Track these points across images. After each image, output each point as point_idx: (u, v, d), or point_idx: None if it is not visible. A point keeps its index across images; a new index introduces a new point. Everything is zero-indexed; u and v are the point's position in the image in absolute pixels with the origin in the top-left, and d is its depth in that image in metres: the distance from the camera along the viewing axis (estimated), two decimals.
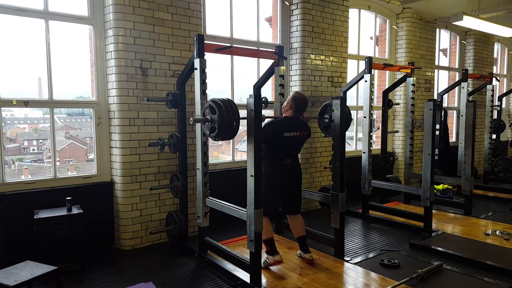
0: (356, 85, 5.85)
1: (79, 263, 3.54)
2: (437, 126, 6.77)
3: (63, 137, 6.50)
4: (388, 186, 5.45)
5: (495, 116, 7.71)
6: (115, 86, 3.99)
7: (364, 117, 5.23)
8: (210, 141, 4.02)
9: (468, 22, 5.63)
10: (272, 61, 4.29)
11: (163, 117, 4.25)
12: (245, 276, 3.22)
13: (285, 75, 5.47)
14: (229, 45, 3.92)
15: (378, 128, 6.07)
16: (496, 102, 8.04)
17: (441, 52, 8.05)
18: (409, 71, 5.73)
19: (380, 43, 6.99)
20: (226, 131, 2.96)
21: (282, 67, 4.23)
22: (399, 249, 4.12)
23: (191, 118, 3.07)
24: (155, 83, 4.17)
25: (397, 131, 6.82)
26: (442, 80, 8.09)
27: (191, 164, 4.30)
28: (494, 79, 7.32)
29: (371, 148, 5.24)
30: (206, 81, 3.58)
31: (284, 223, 4.33)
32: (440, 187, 6.21)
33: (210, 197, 3.72)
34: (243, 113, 3.06)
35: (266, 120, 3.61)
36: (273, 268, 3.56)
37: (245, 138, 3.06)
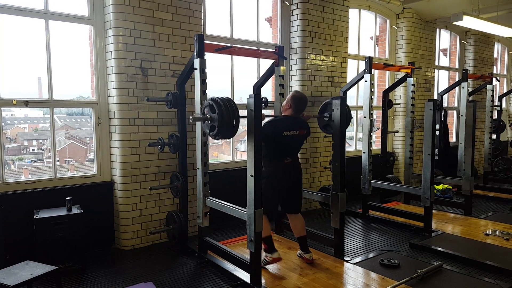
0: (356, 85, 5.85)
1: (79, 263, 3.54)
2: (437, 126, 6.77)
3: (63, 137, 6.49)
4: (388, 186, 5.45)
5: (495, 116, 7.71)
6: (115, 86, 3.99)
7: (364, 117, 5.23)
8: (210, 141, 4.02)
9: (468, 22, 5.63)
10: (272, 61, 4.29)
11: (163, 117, 4.25)
12: (245, 276, 3.22)
13: (285, 75, 5.47)
14: (229, 45, 3.92)
15: (378, 128, 6.07)
16: (496, 102, 8.04)
17: (441, 52, 8.05)
18: (409, 71, 5.73)
19: (380, 43, 6.99)
20: (226, 130, 2.96)
21: (282, 67, 4.23)
22: (399, 249, 4.12)
23: (190, 117, 3.07)
24: (155, 83, 4.17)
25: (397, 131, 6.82)
26: (442, 80, 8.09)
27: (191, 164, 4.30)
28: (494, 79, 7.32)
29: (371, 148, 5.24)
30: (206, 81, 3.58)
31: (284, 223, 4.33)
32: (440, 187, 6.21)
33: (210, 197, 3.72)
34: (242, 112, 3.06)
35: (266, 119, 3.61)
36: (273, 268, 3.57)
37: (245, 138, 3.06)
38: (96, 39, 4.05)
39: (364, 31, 6.59)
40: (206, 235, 3.82)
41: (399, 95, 6.94)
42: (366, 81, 5.14)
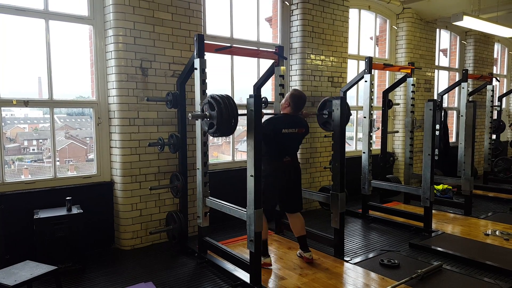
0: (356, 85, 5.85)
1: (79, 263, 3.54)
2: (437, 126, 6.78)
3: (63, 137, 6.49)
4: (388, 186, 5.45)
5: (495, 116, 7.71)
6: (115, 86, 3.99)
7: (364, 117, 5.24)
8: (210, 141, 4.02)
9: (468, 22, 5.63)
10: (272, 61, 4.29)
11: (163, 117, 4.25)
12: (245, 276, 3.22)
13: (285, 75, 5.46)
14: (229, 45, 3.92)
15: (378, 128, 6.08)
16: (496, 102, 8.04)
17: (441, 52, 8.05)
18: (409, 71, 5.73)
19: (380, 43, 6.99)
20: (225, 128, 2.96)
21: (282, 67, 4.23)
22: (399, 249, 4.12)
23: (189, 114, 3.07)
24: (155, 83, 4.17)
25: (397, 131, 6.82)
26: (442, 80, 8.09)
27: (191, 164, 4.30)
28: (494, 79, 7.32)
29: (371, 148, 5.24)
30: (206, 81, 3.59)
31: (284, 223, 4.33)
32: (440, 187, 6.21)
33: (210, 197, 3.72)
34: (242, 111, 3.07)
35: (265, 117, 3.61)
36: (273, 268, 3.57)
37: (245, 138, 3.06)
38: (96, 39, 4.05)
39: (364, 31, 6.59)
40: (206, 235, 3.82)
41: (399, 95, 6.94)
42: (366, 81, 5.14)
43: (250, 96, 2.91)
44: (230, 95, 5.08)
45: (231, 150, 5.25)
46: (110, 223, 4.22)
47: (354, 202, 5.76)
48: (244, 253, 3.63)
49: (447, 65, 8.26)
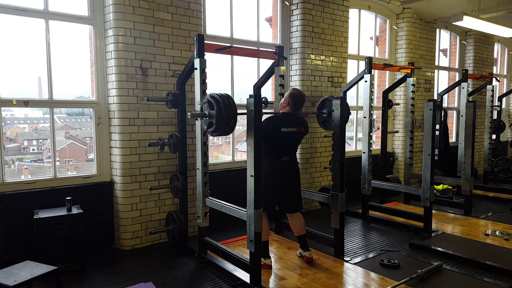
0: (356, 85, 5.85)
1: (79, 263, 3.54)
2: (437, 126, 6.78)
3: (63, 137, 6.49)
4: (388, 186, 5.46)
5: (495, 116, 7.71)
6: (115, 86, 3.99)
7: (364, 117, 5.24)
8: (210, 141, 4.02)
9: (468, 22, 5.63)
10: (272, 61, 4.29)
11: (163, 117, 4.25)
12: (245, 276, 3.22)
13: (285, 75, 5.45)
14: (229, 45, 3.92)
15: (378, 128, 6.08)
16: (496, 103, 8.04)
17: (441, 52, 8.05)
18: (409, 71, 5.74)
19: (380, 43, 6.99)
20: (224, 127, 2.96)
21: (282, 67, 4.23)
22: (399, 249, 4.12)
23: (188, 113, 3.07)
24: (155, 83, 4.17)
25: (397, 131, 6.82)
26: (442, 80, 8.09)
27: (191, 164, 4.30)
28: (494, 79, 7.32)
29: (371, 148, 5.24)
30: (206, 81, 3.59)
31: (284, 223, 4.33)
32: (440, 187, 6.21)
33: (210, 197, 3.72)
34: (241, 111, 3.07)
35: (264, 116, 3.61)
36: (273, 268, 3.57)
37: (245, 138, 3.06)
38: (96, 39, 4.05)
39: (364, 31, 6.59)
40: (206, 235, 3.82)
41: (399, 95, 6.94)
42: (366, 81, 5.14)
43: (250, 96, 2.91)
44: (230, 95, 5.11)
45: (231, 150, 5.25)
46: (110, 223, 4.22)
47: (354, 202, 5.76)
48: (244, 253, 3.63)
49: (447, 65, 8.26)
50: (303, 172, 5.55)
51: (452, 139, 8.38)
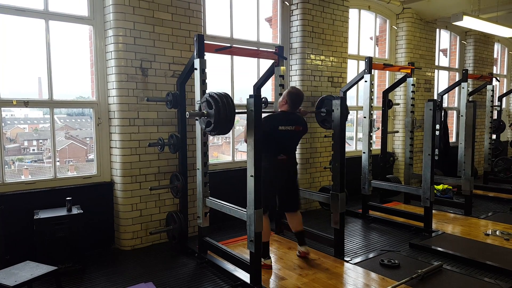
0: (356, 85, 5.85)
1: (79, 263, 3.54)
2: (437, 126, 6.77)
3: (63, 137, 6.50)
4: (388, 186, 5.45)
5: (495, 116, 7.71)
6: (115, 86, 3.99)
7: (364, 117, 5.23)
8: (210, 141, 4.02)
9: (468, 22, 5.63)
10: (272, 61, 4.29)
11: (163, 117, 4.25)
12: (245, 276, 3.22)
13: (285, 75, 5.47)
14: (229, 45, 3.92)
15: (378, 128, 6.08)
16: (496, 102, 8.04)
17: (441, 52, 8.05)
18: (409, 71, 5.74)
19: (380, 43, 6.99)
20: (222, 126, 2.96)
21: (282, 67, 4.23)
22: (399, 249, 4.12)
23: (187, 112, 3.07)
24: (155, 83, 4.17)
25: (397, 131, 6.82)
26: (442, 80, 8.09)
27: (191, 164, 4.30)
28: (494, 79, 7.32)
29: (371, 148, 5.24)
30: (206, 81, 3.58)
31: (284, 223, 4.33)
32: (440, 187, 6.21)
33: (210, 197, 3.72)
34: (239, 110, 3.07)
35: (262, 115, 3.60)
36: (273, 268, 3.57)
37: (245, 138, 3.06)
38: (96, 39, 4.05)
39: (364, 31, 6.59)
40: (206, 235, 3.82)
41: (399, 95, 6.94)
42: (366, 81, 5.14)
43: (250, 96, 2.91)
44: (230, 95, 5.11)
45: (231, 150, 5.25)
46: (110, 223, 4.22)
47: (354, 202, 5.76)
48: (244, 253, 3.63)
49: (447, 65, 8.26)
50: (303, 172, 5.56)
51: (452, 139, 8.38)
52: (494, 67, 9.22)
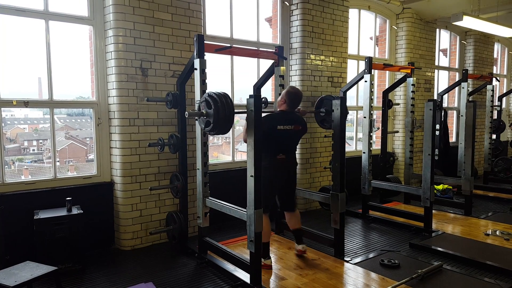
0: (356, 85, 5.85)
1: (79, 263, 3.54)
2: (437, 126, 6.78)
3: (63, 138, 6.50)
4: (388, 186, 5.45)
5: (495, 116, 7.71)
6: (115, 87, 3.99)
7: (364, 117, 5.23)
8: (210, 141, 4.02)
9: (468, 22, 5.63)
10: (272, 61, 4.29)
11: (163, 117, 4.25)
12: (245, 276, 3.22)
13: (285, 75, 5.47)
14: (229, 45, 3.92)
15: (378, 128, 6.08)
16: (496, 102, 8.04)
17: (441, 52, 8.05)
18: (409, 71, 5.74)
19: (380, 43, 6.99)
20: (221, 126, 2.96)
21: (282, 67, 4.23)
22: (399, 249, 4.12)
23: (186, 112, 3.07)
24: (155, 83, 4.17)
25: (397, 131, 6.82)
26: (442, 80, 8.09)
27: (191, 164, 4.30)
28: (494, 79, 7.32)
29: (371, 148, 5.24)
30: (206, 81, 3.58)
31: (284, 223, 4.33)
32: (440, 187, 6.21)
33: (210, 198, 3.72)
34: (238, 110, 3.08)
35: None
36: (273, 268, 3.57)
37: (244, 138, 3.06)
38: (96, 39, 4.05)
39: (364, 31, 6.59)
40: (206, 235, 3.82)
41: (399, 95, 6.94)
42: (366, 81, 5.14)
43: (250, 96, 2.91)
44: (230, 96, 5.12)
45: (231, 150, 5.25)
46: (110, 224, 4.22)
47: (354, 202, 5.75)
48: (244, 254, 3.63)
49: (447, 65, 8.26)
50: (303, 172, 5.56)
51: (452, 139, 8.38)
52: (494, 67, 9.22)
